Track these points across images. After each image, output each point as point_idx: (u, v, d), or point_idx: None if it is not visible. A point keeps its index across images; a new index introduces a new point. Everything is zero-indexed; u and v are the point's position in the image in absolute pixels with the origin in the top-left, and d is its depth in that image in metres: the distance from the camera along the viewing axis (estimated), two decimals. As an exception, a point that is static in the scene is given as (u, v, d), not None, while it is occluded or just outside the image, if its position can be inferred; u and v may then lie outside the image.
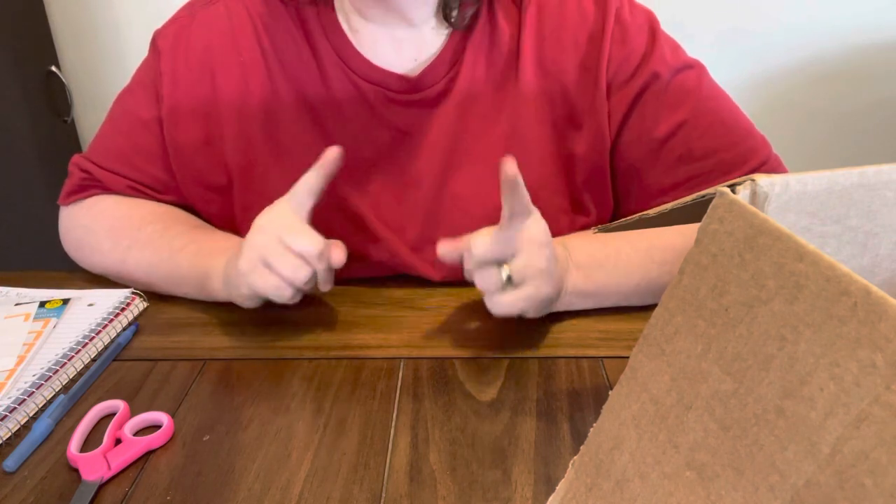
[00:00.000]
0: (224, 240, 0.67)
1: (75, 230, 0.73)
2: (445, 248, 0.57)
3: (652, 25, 0.67)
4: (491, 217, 0.58)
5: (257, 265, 0.57)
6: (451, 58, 0.66)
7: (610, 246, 0.63)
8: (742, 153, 0.66)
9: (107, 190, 0.73)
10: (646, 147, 0.67)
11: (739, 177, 0.68)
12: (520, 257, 0.54)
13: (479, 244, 0.54)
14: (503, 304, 0.55)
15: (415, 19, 0.65)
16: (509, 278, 0.54)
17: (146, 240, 0.68)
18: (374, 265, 0.71)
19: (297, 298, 0.59)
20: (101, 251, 0.71)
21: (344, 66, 0.66)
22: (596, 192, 0.69)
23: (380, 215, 0.69)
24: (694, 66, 0.67)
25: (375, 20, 0.65)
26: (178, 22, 0.71)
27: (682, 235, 0.57)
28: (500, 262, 0.54)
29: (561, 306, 0.62)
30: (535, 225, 0.55)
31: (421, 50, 0.66)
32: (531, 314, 0.57)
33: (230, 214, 0.72)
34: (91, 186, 0.73)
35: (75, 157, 0.75)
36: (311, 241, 0.57)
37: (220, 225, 0.73)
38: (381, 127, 0.67)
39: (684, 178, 0.67)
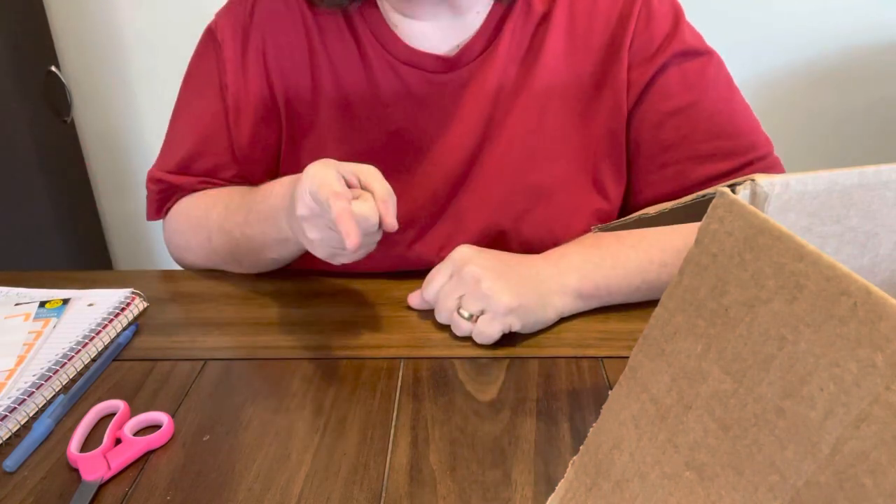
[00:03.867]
0: (272, 196, 0.66)
1: (172, 241, 0.78)
2: (414, 301, 0.66)
3: (677, 13, 0.71)
4: (515, 188, 0.69)
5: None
6: (489, 37, 0.70)
7: (607, 248, 0.64)
8: (743, 145, 0.68)
9: (184, 192, 0.76)
10: (653, 120, 0.69)
11: (736, 166, 0.69)
12: (464, 294, 0.60)
13: (435, 304, 0.62)
14: (482, 333, 0.59)
15: (463, 6, 0.69)
16: (470, 315, 0.60)
17: (216, 226, 0.71)
18: (382, 256, 0.71)
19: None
20: (192, 249, 0.75)
21: (385, 52, 0.70)
22: (613, 167, 0.72)
23: (405, 193, 0.70)
24: (713, 55, 0.71)
25: (424, 18, 0.69)
26: (233, 12, 0.74)
27: (681, 236, 0.59)
28: (458, 308, 0.60)
29: (559, 309, 0.62)
30: (458, 257, 0.61)
31: (463, 32, 0.70)
32: (518, 327, 0.60)
33: None
34: (170, 196, 0.77)
35: (149, 173, 0.78)
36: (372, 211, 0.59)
37: None
38: (420, 108, 0.70)
39: (683, 157, 0.69)
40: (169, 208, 0.78)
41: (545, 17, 0.70)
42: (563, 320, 0.63)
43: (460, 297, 0.60)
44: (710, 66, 0.70)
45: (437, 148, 0.71)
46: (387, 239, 0.68)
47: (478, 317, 0.59)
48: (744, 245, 0.27)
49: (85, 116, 1.61)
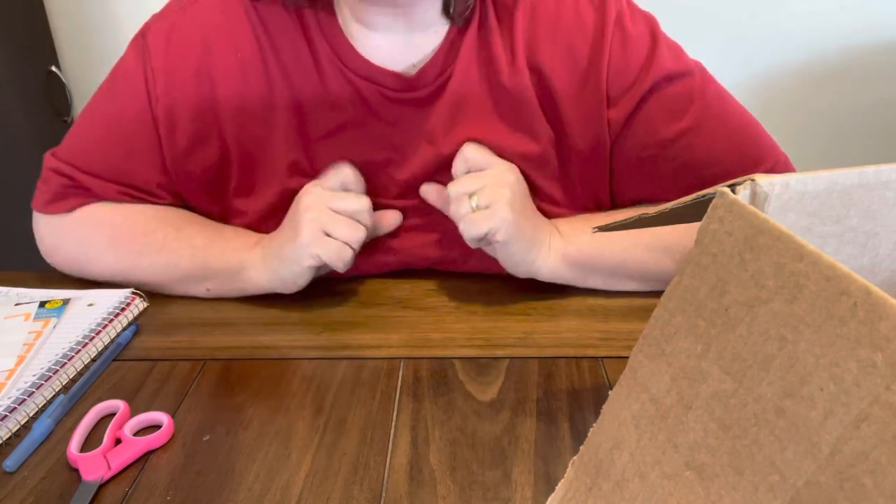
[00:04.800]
0: (245, 235, 0.70)
1: (67, 243, 0.71)
2: (428, 188, 0.68)
3: (653, 31, 0.65)
4: None
5: (319, 234, 0.62)
6: (446, 57, 0.66)
7: (596, 221, 0.61)
8: (749, 162, 0.65)
9: (96, 197, 0.70)
10: (648, 153, 0.66)
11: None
12: (485, 188, 0.62)
13: (454, 183, 0.64)
14: (470, 221, 0.61)
15: (423, 22, 0.65)
16: (477, 205, 0.62)
17: (159, 245, 0.68)
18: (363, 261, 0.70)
19: (352, 262, 0.64)
20: (103, 262, 0.69)
21: (341, 64, 0.66)
22: (591, 188, 0.70)
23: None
24: (696, 72, 0.66)
25: (379, 28, 0.65)
26: (169, 18, 0.68)
27: (674, 231, 0.57)
28: (470, 195, 0.63)
29: (546, 271, 0.66)
30: (504, 171, 0.64)
31: (419, 50, 0.66)
32: (501, 236, 0.61)
33: (223, 211, 0.72)
34: (76, 195, 0.70)
35: (49, 160, 0.71)
36: (358, 201, 0.64)
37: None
38: (376, 124, 0.67)
39: (687, 187, 0.63)
40: (73, 208, 0.70)
41: (503, 37, 0.66)
42: (563, 320, 0.63)
43: (480, 189, 0.62)
44: (694, 85, 0.65)
45: (395, 165, 0.68)
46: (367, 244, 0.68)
47: (475, 210, 0.62)
48: (744, 245, 0.27)
49: (85, 116, 1.61)
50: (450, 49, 0.66)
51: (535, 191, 0.69)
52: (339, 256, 0.62)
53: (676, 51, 0.66)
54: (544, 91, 0.66)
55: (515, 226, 0.62)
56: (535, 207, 0.68)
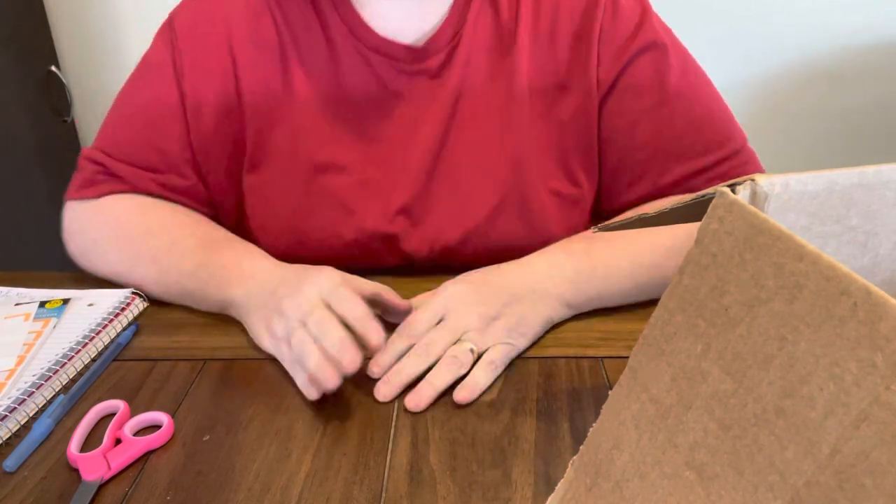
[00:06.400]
0: (234, 263, 0.63)
1: (81, 235, 0.72)
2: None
3: (643, 5, 0.71)
4: (483, 181, 0.70)
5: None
6: (454, 27, 0.70)
7: (598, 256, 0.63)
8: (717, 140, 0.69)
9: (127, 185, 0.71)
10: (626, 119, 0.70)
11: (711, 163, 0.68)
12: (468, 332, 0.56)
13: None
14: (481, 378, 0.54)
15: None
16: (471, 349, 0.55)
17: (151, 256, 0.67)
18: (350, 242, 0.71)
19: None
20: (107, 261, 0.70)
21: (356, 41, 0.69)
22: (584, 157, 0.72)
23: (372, 180, 0.71)
24: (681, 48, 0.71)
25: None
26: (194, 4, 0.72)
27: (670, 234, 0.58)
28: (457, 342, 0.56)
29: (551, 318, 0.61)
30: (453, 290, 0.59)
31: (427, 19, 0.69)
32: (523, 346, 0.58)
33: (237, 196, 0.74)
34: (106, 182, 0.71)
35: (85, 151, 0.73)
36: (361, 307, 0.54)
37: (231, 210, 0.76)
38: (389, 97, 0.70)
39: (657, 155, 0.70)
40: (101, 194, 0.71)
41: (509, 8, 0.70)
42: (563, 321, 0.63)
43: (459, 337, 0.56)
44: (679, 58, 0.70)
45: (407, 140, 0.70)
46: (371, 232, 0.70)
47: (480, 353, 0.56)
48: (744, 245, 0.27)
49: (85, 116, 1.61)
50: (457, 19, 0.69)
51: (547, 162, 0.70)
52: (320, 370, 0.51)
53: (666, 28, 0.72)
54: (546, 58, 0.70)
55: (525, 324, 0.58)
56: (499, 268, 0.62)
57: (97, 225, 0.71)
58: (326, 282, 0.55)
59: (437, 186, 0.71)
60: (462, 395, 0.53)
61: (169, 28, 0.72)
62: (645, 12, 0.70)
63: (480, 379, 0.54)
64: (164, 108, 0.70)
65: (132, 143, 0.71)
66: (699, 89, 0.70)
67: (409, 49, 0.69)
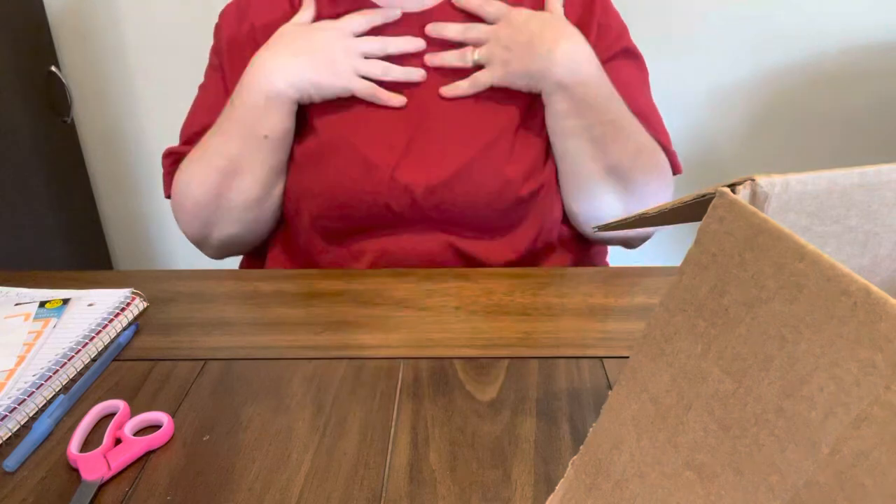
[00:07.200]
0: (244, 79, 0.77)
1: (185, 193, 0.81)
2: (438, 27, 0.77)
3: (619, 16, 0.83)
4: (474, 125, 0.77)
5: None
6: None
7: (606, 87, 0.76)
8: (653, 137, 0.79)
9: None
10: None
11: (631, 143, 0.78)
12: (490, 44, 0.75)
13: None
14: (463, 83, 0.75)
15: None
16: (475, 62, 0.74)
17: (199, 147, 0.79)
18: (367, 180, 0.76)
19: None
20: (197, 186, 0.79)
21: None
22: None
23: (369, 134, 0.77)
24: (642, 60, 0.84)
25: None
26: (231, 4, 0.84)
27: (643, 147, 0.77)
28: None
29: (547, 83, 0.74)
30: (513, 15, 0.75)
31: None
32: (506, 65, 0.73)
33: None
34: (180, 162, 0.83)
35: (165, 150, 0.85)
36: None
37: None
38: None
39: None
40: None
41: None
42: (563, 320, 0.63)
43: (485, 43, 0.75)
44: (641, 68, 0.83)
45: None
46: (369, 163, 0.75)
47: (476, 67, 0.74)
48: (744, 245, 0.27)
49: (85, 116, 1.61)
50: None
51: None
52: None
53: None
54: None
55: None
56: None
57: (183, 177, 0.81)
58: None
59: (436, 124, 0.78)
60: (448, 90, 0.76)
61: (217, 23, 0.84)
62: (621, 21, 0.82)
63: (462, 83, 0.76)
64: (217, 95, 0.82)
65: (192, 125, 0.84)
66: (647, 97, 0.83)
67: (412, 15, 0.78)
